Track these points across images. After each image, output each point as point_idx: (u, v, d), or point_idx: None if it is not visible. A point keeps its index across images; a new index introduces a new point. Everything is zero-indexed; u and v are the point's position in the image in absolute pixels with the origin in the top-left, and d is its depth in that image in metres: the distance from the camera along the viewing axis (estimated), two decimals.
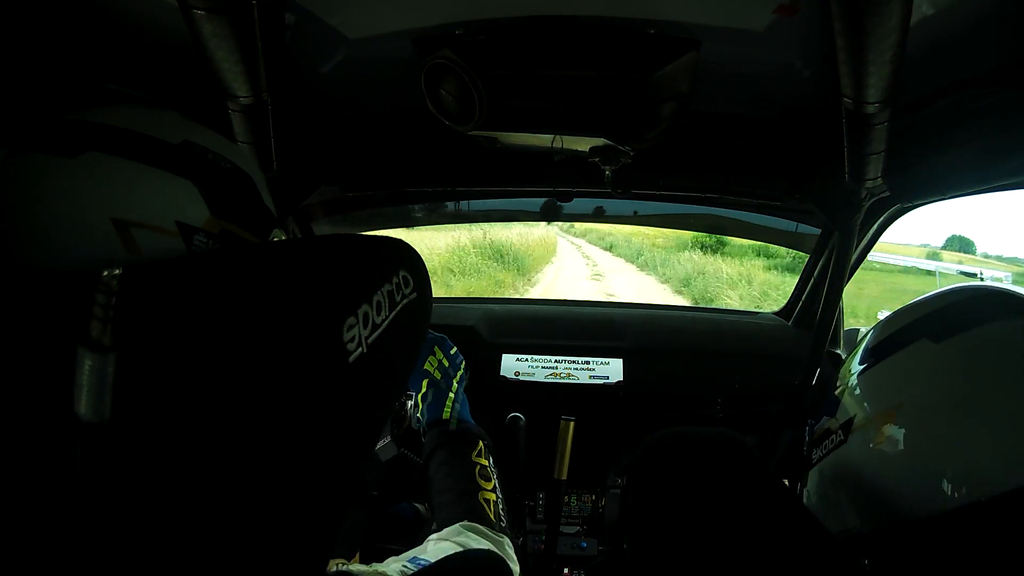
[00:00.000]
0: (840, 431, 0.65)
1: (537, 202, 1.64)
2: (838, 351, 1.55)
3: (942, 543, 0.54)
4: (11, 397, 0.31)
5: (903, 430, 0.57)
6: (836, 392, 0.72)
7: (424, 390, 0.82)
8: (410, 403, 0.85)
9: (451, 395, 0.82)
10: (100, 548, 0.30)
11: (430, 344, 0.86)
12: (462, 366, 0.87)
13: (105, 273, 0.28)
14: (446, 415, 0.80)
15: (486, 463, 0.74)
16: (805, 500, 0.72)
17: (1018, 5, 0.70)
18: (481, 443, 0.76)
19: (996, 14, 0.72)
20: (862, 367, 0.67)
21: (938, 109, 0.92)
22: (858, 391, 0.66)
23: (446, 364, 0.84)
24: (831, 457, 0.67)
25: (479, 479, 0.71)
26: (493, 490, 0.71)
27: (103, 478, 0.30)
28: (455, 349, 0.88)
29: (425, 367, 0.84)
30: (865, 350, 0.69)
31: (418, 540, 0.79)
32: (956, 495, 0.52)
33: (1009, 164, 0.86)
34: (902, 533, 0.57)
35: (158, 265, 0.33)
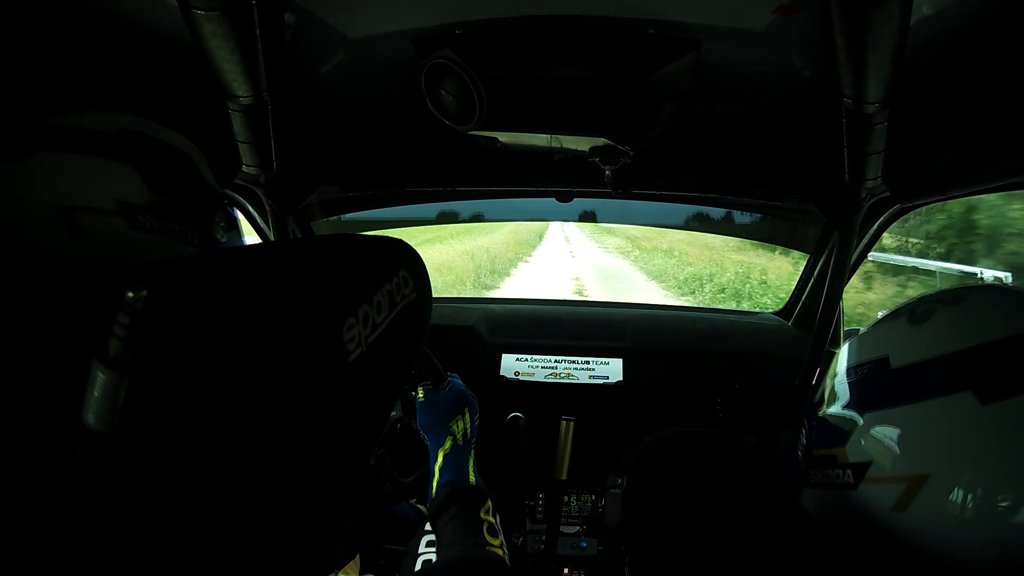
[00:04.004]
0: (850, 472, 0.56)
1: (538, 202, 1.64)
2: (836, 351, 1.55)
3: None
4: (13, 398, 0.31)
5: (937, 505, 0.48)
6: (826, 396, 0.64)
7: (447, 449, 0.84)
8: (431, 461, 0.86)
9: (471, 459, 0.84)
10: (100, 549, 0.30)
11: (461, 404, 0.87)
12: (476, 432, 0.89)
13: (131, 295, 0.28)
14: (472, 479, 0.81)
15: (493, 520, 0.76)
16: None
17: (1017, 5, 0.70)
18: (489, 501, 0.78)
19: (996, 14, 0.72)
20: (877, 404, 0.56)
21: (938, 109, 0.92)
22: (874, 435, 0.55)
23: (469, 433, 0.86)
24: (835, 494, 0.59)
25: (487, 535, 0.73)
26: (500, 546, 0.73)
27: (105, 480, 0.30)
28: (479, 417, 0.90)
29: (452, 427, 0.85)
30: (876, 370, 0.58)
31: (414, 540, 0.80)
32: None
33: (1009, 164, 0.86)
34: None
35: (161, 269, 0.34)
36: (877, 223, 1.34)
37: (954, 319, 0.56)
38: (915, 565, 0.50)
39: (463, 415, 0.86)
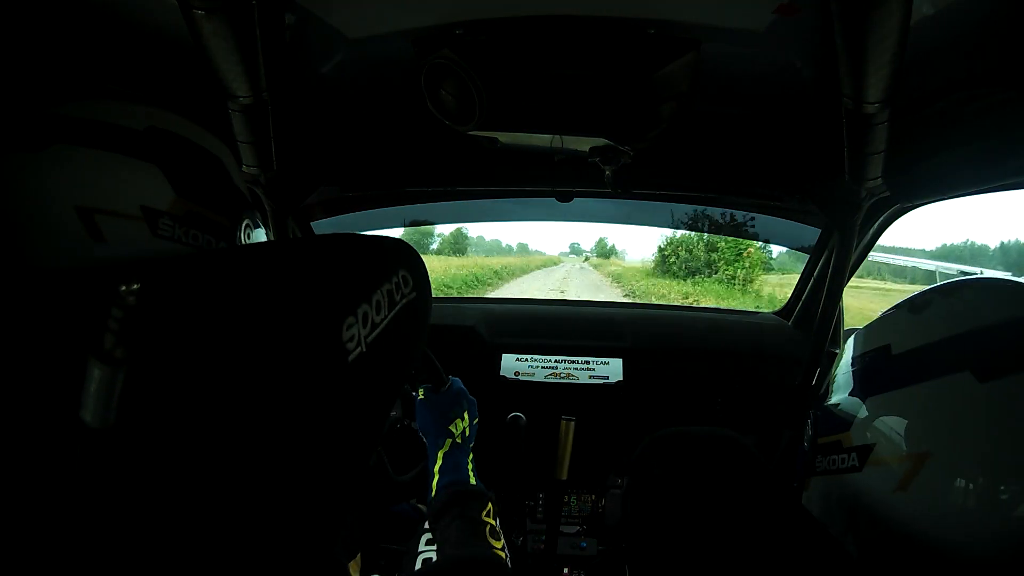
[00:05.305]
0: (854, 455, 0.57)
1: (538, 202, 1.64)
2: (838, 351, 1.55)
3: None
4: (12, 397, 0.31)
5: (938, 482, 0.50)
6: (832, 389, 0.66)
7: (447, 449, 0.84)
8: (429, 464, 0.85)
9: (470, 461, 0.84)
10: (100, 548, 0.30)
11: (461, 406, 0.87)
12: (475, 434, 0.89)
13: (123, 288, 0.28)
14: (472, 481, 0.81)
15: (494, 523, 0.75)
16: (804, 501, 0.69)
17: (1018, 5, 0.70)
18: (490, 503, 0.78)
19: (996, 14, 0.72)
20: (879, 388, 0.57)
21: (938, 109, 0.92)
22: (876, 418, 0.57)
23: (468, 433, 0.86)
24: (840, 479, 0.60)
25: (489, 538, 0.72)
26: (503, 548, 0.72)
27: (105, 478, 0.30)
28: (478, 420, 0.90)
29: (451, 428, 0.85)
30: (877, 358, 0.60)
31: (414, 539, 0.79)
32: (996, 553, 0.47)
33: (1009, 164, 0.86)
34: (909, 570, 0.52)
35: (162, 268, 0.34)
36: (877, 223, 1.34)
37: (951, 307, 0.59)
38: (915, 548, 0.51)
39: (462, 417, 0.86)
